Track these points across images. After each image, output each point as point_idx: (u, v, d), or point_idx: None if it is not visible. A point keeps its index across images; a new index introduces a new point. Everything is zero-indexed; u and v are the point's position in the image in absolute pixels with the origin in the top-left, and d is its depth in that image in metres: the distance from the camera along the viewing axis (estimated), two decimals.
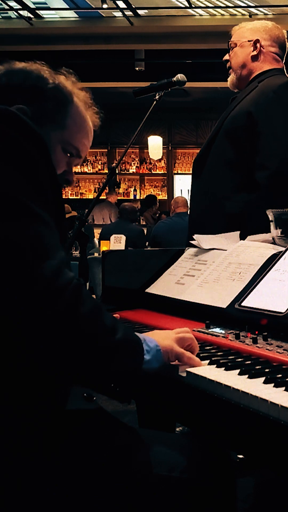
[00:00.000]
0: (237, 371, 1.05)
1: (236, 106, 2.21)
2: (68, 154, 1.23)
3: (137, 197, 10.94)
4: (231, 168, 2.16)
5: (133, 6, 7.12)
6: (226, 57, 2.35)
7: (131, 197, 10.91)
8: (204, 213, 2.25)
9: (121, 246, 4.91)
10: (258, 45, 2.26)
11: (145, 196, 10.90)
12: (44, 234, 0.92)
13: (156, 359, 1.05)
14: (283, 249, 1.48)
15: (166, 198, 10.64)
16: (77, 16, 7.59)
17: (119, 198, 10.92)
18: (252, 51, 2.27)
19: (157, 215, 9.21)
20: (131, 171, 11.06)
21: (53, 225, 0.96)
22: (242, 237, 1.77)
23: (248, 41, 2.27)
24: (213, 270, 1.60)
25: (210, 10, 7.22)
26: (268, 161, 2.05)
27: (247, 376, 1.02)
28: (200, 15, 7.37)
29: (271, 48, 2.29)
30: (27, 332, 0.88)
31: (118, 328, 0.98)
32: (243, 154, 2.14)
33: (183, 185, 10.76)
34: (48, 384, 0.97)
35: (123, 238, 4.96)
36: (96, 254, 5.40)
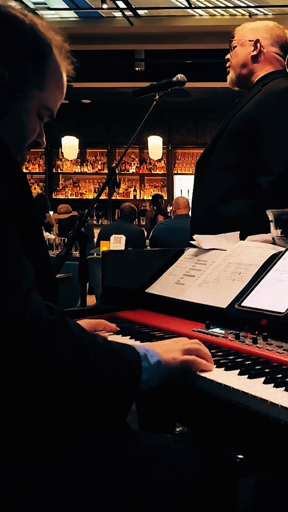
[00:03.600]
0: (237, 371, 1.05)
1: (240, 110, 2.20)
2: (42, 118, 1.07)
3: (137, 197, 10.94)
4: (232, 171, 2.16)
5: (133, 6, 7.12)
6: (228, 56, 2.35)
7: (131, 197, 10.91)
8: (205, 215, 2.25)
9: (121, 246, 4.91)
10: (258, 45, 2.26)
11: (143, 196, 10.95)
12: (13, 271, 0.84)
13: (156, 377, 1.00)
14: (283, 249, 1.48)
15: (166, 198, 10.65)
16: (77, 16, 7.60)
17: (119, 198, 10.93)
18: (252, 51, 2.26)
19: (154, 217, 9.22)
20: (131, 171, 11.06)
21: (21, 251, 0.87)
22: (242, 237, 1.77)
23: (249, 40, 2.27)
24: (213, 270, 1.60)
25: (210, 10, 7.23)
26: (272, 166, 2.06)
27: (247, 376, 1.02)
28: (200, 15, 7.37)
29: (271, 48, 2.28)
30: (5, 375, 0.83)
31: (107, 356, 0.91)
32: (244, 158, 2.14)
33: (183, 185, 10.76)
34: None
35: (123, 238, 4.96)
36: (96, 254, 5.40)
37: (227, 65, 2.35)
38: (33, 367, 0.83)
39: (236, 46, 2.31)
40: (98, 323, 1.42)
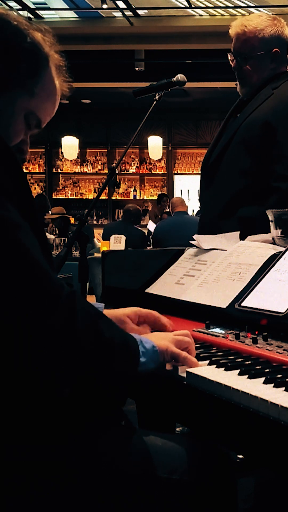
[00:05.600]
0: (237, 371, 1.05)
1: (251, 113, 2.16)
2: (29, 124, 1.11)
3: (137, 197, 10.94)
4: (246, 176, 2.13)
5: (133, 6, 7.13)
6: (233, 65, 2.24)
7: (131, 197, 10.91)
8: (217, 219, 2.21)
9: (121, 246, 4.91)
10: (277, 56, 2.19)
11: (143, 196, 10.95)
12: (24, 240, 0.87)
13: (152, 360, 1.05)
14: (283, 249, 1.48)
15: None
16: (77, 16, 7.60)
17: (119, 198, 10.93)
18: (271, 63, 2.20)
19: (159, 216, 9.24)
20: (131, 171, 11.07)
21: (28, 227, 0.91)
22: (242, 237, 1.77)
23: (265, 52, 2.18)
24: (213, 270, 1.60)
25: (210, 10, 7.23)
26: None
27: (247, 376, 1.02)
28: (200, 15, 7.38)
29: (285, 51, 2.23)
30: (21, 347, 0.85)
31: (115, 334, 0.97)
32: (259, 163, 2.10)
33: (183, 185, 10.76)
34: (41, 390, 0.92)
35: (123, 238, 4.97)
36: (96, 254, 5.41)
37: (239, 76, 2.25)
38: (57, 333, 0.86)
39: (248, 59, 2.20)
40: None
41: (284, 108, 2.10)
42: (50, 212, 7.96)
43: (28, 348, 0.85)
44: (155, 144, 9.96)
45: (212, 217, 2.25)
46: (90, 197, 11.03)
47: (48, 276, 0.88)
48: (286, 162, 2.05)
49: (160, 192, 10.63)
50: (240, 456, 2.08)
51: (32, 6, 7.39)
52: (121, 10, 7.19)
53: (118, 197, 10.98)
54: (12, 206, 0.90)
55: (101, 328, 0.93)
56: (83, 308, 0.92)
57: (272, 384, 0.97)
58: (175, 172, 10.94)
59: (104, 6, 7.13)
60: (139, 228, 6.59)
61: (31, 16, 7.50)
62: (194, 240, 1.78)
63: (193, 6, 7.13)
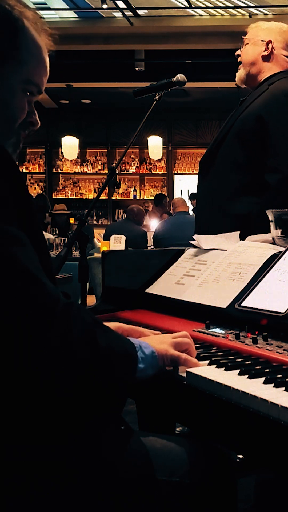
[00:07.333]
0: (237, 371, 1.05)
1: (246, 108, 2.21)
2: (28, 93, 1.06)
3: (137, 197, 10.94)
4: (240, 169, 2.16)
5: (133, 6, 7.12)
6: (238, 52, 2.37)
7: (131, 197, 10.91)
8: (212, 213, 2.24)
9: (121, 246, 4.91)
10: (270, 45, 2.28)
11: (144, 196, 10.94)
12: (19, 254, 0.87)
13: (151, 366, 1.05)
14: (283, 249, 1.48)
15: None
16: (77, 16, 7.60)
17: (119, 198, 10.93)
18: (264, 51, 2.29)
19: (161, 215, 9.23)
20: (131, 171, 11.06)
21: (25, 238, 0.90)
22: (243, 237, 1.77)
23: (261, 40, 2.30)
24: (213, 270, 1.60)
25: (210, 10, 7.22)
26: (281, 164, 2.07)
27: (247, 376, 1.02)
28: (200, 15, 7.37)
29: (283, 51, 2.31)
30: (19, 361, 0.85)
31: (113, 342, 0.96)
32: (253, 156, 2.14)
33: (183, 185, 10.76)
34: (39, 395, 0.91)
35: (123, 238, 4.97)
36: (96, 254, 5.40)
37: (238, 60, 2.37)
38: (53, 348, 0.86)
39: (247, 44, 2.33)
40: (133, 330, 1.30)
41: (275, 103, 2.14)
42: (52, 211, 7.97)
43: (26, 362, 0.85)
44: (155, 144, 9.95)
45: (208, 210, 2.28)
46: (90, 197, 11.02)
47: (44, 290, 0.88)
48: (277, 154, 2.09)
49: (159, 192, 10.64)
50: (240, 456, 2.08)
51: (32, 6, 7.39)
52: (121, 10, 7.19)
53: (118, 197, 10.98)
54: (11, 216, 0.89)
55: (98, 338, 0.92)
56: (80, 319, 0.91)
57: (272, 384, 0.97)
58: (175, 172, 10.93)
59: (104, 6, 7.14)
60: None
61: None
62: (194, 240, 1.79)
63: (193, 6, 7.13)
